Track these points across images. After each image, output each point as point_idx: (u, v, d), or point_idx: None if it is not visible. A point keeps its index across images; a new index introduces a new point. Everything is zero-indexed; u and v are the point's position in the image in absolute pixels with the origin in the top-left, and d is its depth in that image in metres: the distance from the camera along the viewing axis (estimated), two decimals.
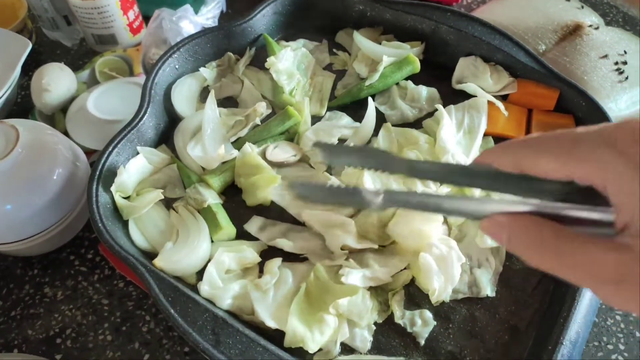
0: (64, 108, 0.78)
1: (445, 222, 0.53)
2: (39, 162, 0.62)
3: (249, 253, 0.51)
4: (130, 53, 0.86)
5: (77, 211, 0.64)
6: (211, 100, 0.57)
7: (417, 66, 0.64)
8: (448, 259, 0.48)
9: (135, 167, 0.55)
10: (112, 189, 0.53)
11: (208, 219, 0.53)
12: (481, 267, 0.51)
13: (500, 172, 0.27)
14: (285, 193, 0.50)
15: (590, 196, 0.24)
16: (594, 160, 0.24)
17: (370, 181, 0.51)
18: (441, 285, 0.48)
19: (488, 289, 0.50)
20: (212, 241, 0.53)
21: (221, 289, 0.48)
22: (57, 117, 0.78)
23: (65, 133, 0.72)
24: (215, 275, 0.48)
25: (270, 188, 0.52)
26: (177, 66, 0.62)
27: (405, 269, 0.51)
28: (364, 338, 0.47)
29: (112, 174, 0.53)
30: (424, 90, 0.64)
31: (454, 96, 0.64)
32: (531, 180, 0.26)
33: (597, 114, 0.59)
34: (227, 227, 0.53)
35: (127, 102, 0.67)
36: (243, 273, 0.51)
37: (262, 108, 0.60)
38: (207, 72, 0.64)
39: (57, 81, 0.77)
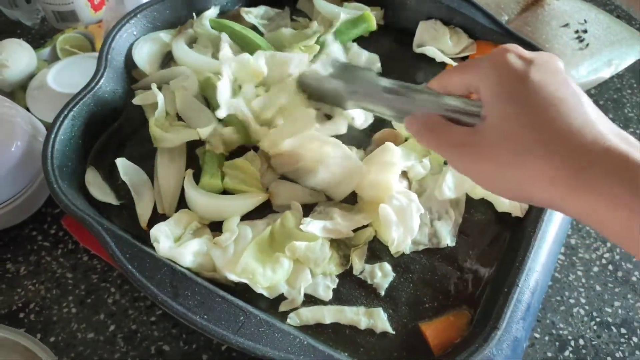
0: (23, 85, 0.76)
1: (406, 177, 0.53)
2: None
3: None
4: (92, 30, 0.85)
5: (37, 184, 0.63)
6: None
7: (372, 24, 0.64)
8: (407, 210, 0.49)
9: None
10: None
11: None
12: (441, 219, 0.52)
13: (432, 92, 0.40)
14: None
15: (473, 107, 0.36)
16: (477, 72, 0.35)
17: None
18: (400, 236, 0.48)
19: (448, 239, 0.51)
20: None
21: (179, 247, 0.47)
22: (16, 94, 0.77)
23: (26, 110, 0.70)
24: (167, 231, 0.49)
25: None
26: (135, 32, 0.61)
27: (368, 226, 0.51)
28: (326, 286, 0.48)
29: (67, 138, 0.53)
30: (364, 54, 0.64)
31: (415, 60, 0.65)
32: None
33: None
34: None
35: (89, 77, 0.66)
36: (193, 235, 0.50)
37: None
38: (168, 37, 0.63)
39: (15, 57, 0.75)
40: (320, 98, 0.50)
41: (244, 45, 0.62)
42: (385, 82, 0.42)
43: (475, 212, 0.54)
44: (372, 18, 0.64)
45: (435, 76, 0.61)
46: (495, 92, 0.33)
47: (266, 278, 0.46)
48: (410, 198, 0.50)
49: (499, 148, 0.32)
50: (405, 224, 0.48)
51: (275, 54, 0.58)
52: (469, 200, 0.54)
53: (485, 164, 0.33)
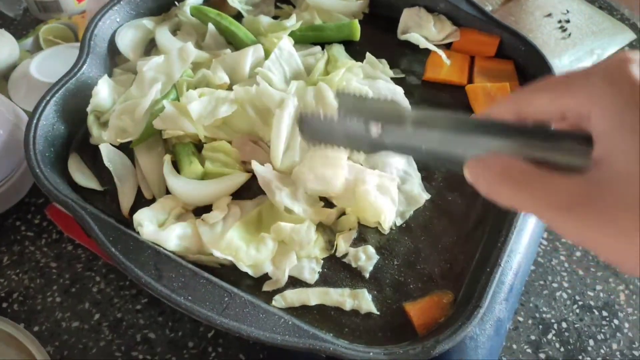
0: (5, 75, 0.75)
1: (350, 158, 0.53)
2: None
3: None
4: (75, 20, 0.84)
5: (20, 173, 0.63)
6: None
7: (356, 34, 0.64)
8: (384, 184, 0.50)
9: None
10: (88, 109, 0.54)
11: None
12: (406, 182, 0.53)
13: (498, 123, 0.28)
14: None
15: (572, 143, 0.25)
16: (584, 92, 0.24)
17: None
18: (389, 209, 0.49)
19: (424, 194, 0.53)
20: None
21: (164, 231, 0.47)
22: None
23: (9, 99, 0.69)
24: (151, 215, 0.49)
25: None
26: (118, 19, 0.61)
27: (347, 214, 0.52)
28: (312, 269, 0.48)
29: (50, 123, 0.52)
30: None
31: (399, 47, 0.65)
32: (524, 130, 0.27)
33: (535, 58, 0.60)
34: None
35: None
36: (177, 220, 0.50)
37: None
38: (151, 24, 0.63)
39: None
40: (329, 142, 0.37)
41: (226, 35, 0.62)
42: (420, 115, 0.31)
43: (459, 194, 0.54)
44: (357, 28, 0.64)
45: (418, 62, 0.63)
46: (619, 123, 0.23)
47: (249, 256, 0.46)
48: (379, 174, 0.51)
49: (635, 207, 0.22)
50: (389, 196, 0.49)
51: (227, 55, 0.59)
52: (452, 182, 0.55)
53: (611, 231, 0.22)
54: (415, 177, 0.54)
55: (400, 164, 0.54)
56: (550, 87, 0.26)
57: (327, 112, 0.37)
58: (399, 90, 0.58)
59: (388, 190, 0.50)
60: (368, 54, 0.62)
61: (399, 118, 0.31)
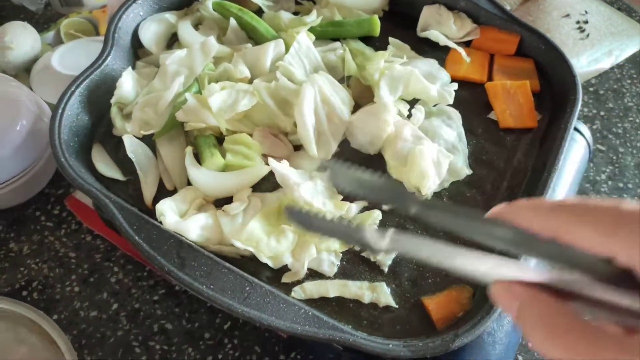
0: (27, 68, 0.76)
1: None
2: (1, 112, 0.61)
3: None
4: (96, 15, 0.85)
5: (41, 164, 0.64)
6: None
7: (376, 30, 0.64)
8: (438, 157, 0.52)
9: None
10: (112, 101, 0.55)
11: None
12: (452, 155, 0.54)
13: (524, 232, 0.23)
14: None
15: (625, 279, 0.22)
16: (631, 242, 0.21)
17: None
18: (433, 177, 0.51)
19: (466, 170, 0.55)
20: None
21: (186, 221, 0.48)
22: (20, 77, 0.77)
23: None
24: (173, 206, 0.49)
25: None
26: (141, 13, 0.62)
27: (374, 208, 0.52)
28: (331, 263, 0.48)
29: (74, 114, 0.53)
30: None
31: (418, 44, 0.65)
32: (562, 248, 0.22)
33: (555, 57, 0.60)
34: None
35: (94, 59, 0.66)
36: (198, 211, 0.51)
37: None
38: (174, 18, 0.64)
39: (20, 39, 0.75)
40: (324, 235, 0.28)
41: (247, 30, 0.63)
42: (427, 205, 0.25)
43: (478, 192, 0.54)
44: (377, 24, 0.64)
45: (438, 60, 0.63)
46: None
47: (270, 248, 0.46)
48: (437, 148, 0.53)
49: None
50: (438, 169, 0.52)
51: (248, 50, 0.59)
52: (472, 179, 0.55)
53: None
54: (462, 152, 0.56)
55: (451, 137, 0.56)
56: (600, 226, 0.22)
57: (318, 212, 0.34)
58: (433, 62, 0.62)
59: (439, 164, 0.52)
60: (391, 38, 0.64)
61: (404, 206, 0.25)
